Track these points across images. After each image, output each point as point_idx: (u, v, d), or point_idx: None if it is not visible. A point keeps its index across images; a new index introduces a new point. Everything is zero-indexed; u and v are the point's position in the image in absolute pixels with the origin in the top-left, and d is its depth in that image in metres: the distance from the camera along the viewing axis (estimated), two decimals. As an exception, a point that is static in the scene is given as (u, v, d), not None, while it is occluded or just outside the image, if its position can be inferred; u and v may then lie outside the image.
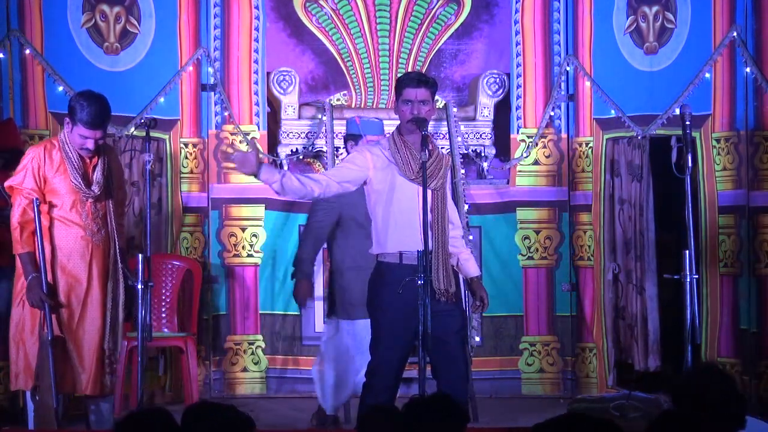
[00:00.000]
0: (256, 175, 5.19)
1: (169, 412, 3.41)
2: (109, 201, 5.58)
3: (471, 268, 5.61)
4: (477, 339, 7.20)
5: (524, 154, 7.63)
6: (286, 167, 7.62)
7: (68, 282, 5.50)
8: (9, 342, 5.61)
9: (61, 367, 5.45)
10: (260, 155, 5.44)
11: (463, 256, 5.59)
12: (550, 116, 7.64)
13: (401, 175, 5.31)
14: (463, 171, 7.50)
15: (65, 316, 5.49)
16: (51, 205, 5.49)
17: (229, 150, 5.56)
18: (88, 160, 5.55)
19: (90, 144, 5.49)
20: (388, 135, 5.68)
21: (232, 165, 5.48)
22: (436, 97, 5.64)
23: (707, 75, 7.11)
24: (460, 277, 5.86)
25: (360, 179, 5.36)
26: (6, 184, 5.61)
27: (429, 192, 5.26)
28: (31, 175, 5.48)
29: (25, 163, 5.52)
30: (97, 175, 5.54)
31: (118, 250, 5.60)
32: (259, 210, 7.58)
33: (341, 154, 7.68)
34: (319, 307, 7.55)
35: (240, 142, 7.53)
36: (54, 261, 5.49)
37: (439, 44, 7.95)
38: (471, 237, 7.30)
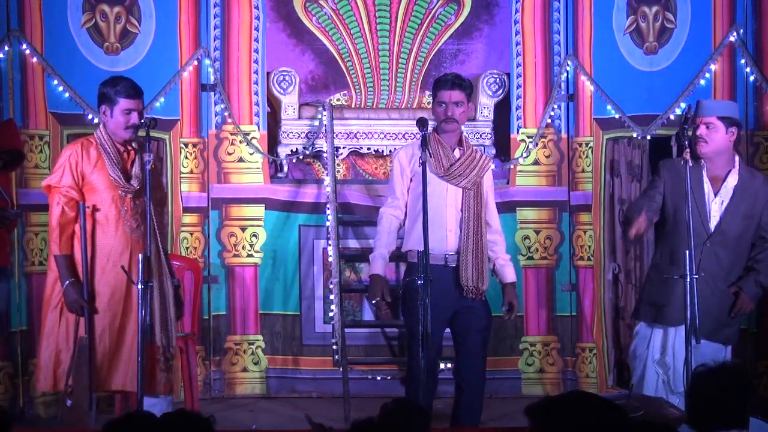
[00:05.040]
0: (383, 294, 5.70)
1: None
2: (148, 197, 5.50)
3: (506, 274, 5.92)
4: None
5: (524, 154, 7.63)
6: (285, 168, 7.63)
7: (109, 282, 5.46)
8: (41, 342, 5.54)
9: (97, 368, 5.42)
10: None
11: (499, 262, 5.91)
12: (550, 116, 7.64)
13: (431, 172, 5.58)
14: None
15: (107, 317, 5.45)
16: (94, 209, 5.45)
17: None
18: (126, 156, 5.53)
19: (135, 117, 5.49)
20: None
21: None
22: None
23: (707, 75, 7.11)
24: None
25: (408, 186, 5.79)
26: (44, 183, 5.61)
27: (460, 191, 5.66)
28: (69, 172, 5.46)
29: (62, 161, 5.51)
30: (135, 170, 5.51)
31: (161, 248, 5.53)
32: (259, 210, 7.57)
33: (341, 154, 7.69)
34: (318, 307, 7.56)
35: (240, 142, 7.54)
36: (93, 264, 5.45)
37: (439, 44, 7.94)
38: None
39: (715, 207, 5.70)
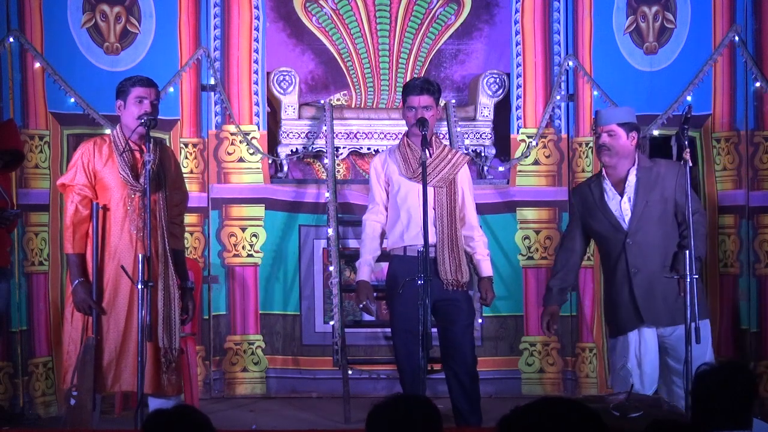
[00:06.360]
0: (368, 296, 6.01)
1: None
2: (160, 197, 5.47)
3: (483, 268, 6.14)
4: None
5: (524, 154, 7.63)
6: (286, 167, 7.63)
7: (114, 282, 5.43)
8: (64, 340, 5.55)
9: (104, 369, 5.40)
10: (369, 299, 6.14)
11: (476, 257, 6.13)
12: (550, 116, 7.64)
13: (402, 175, 5.94)
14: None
15: (112, 317, 5.43)
16: (104, 208, 5.43)
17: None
18: (138, 155, 5.47)
19: (147, 105, 5.45)
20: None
21: None
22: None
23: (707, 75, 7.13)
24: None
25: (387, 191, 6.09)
26: (58, 181, 5.63)
27: (431, 189, 5.86)
28: (82, 170, 5.45)
29: (75, 159, 5.50)
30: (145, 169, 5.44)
31: (168, 249, 5.48)
32: (259, 210, 7.57)
33: (341, 154, 7.70)
34: (318, 307, 7.56)
35: (240, 142, 7.54)
36: (102, 264, 5.43)
37: (439, 44, 7.95)
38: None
39: (625, 206, 5.78)
